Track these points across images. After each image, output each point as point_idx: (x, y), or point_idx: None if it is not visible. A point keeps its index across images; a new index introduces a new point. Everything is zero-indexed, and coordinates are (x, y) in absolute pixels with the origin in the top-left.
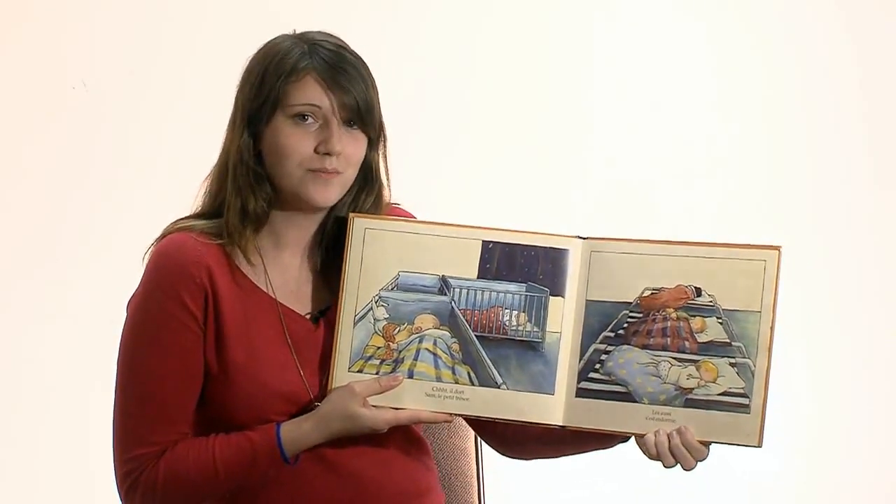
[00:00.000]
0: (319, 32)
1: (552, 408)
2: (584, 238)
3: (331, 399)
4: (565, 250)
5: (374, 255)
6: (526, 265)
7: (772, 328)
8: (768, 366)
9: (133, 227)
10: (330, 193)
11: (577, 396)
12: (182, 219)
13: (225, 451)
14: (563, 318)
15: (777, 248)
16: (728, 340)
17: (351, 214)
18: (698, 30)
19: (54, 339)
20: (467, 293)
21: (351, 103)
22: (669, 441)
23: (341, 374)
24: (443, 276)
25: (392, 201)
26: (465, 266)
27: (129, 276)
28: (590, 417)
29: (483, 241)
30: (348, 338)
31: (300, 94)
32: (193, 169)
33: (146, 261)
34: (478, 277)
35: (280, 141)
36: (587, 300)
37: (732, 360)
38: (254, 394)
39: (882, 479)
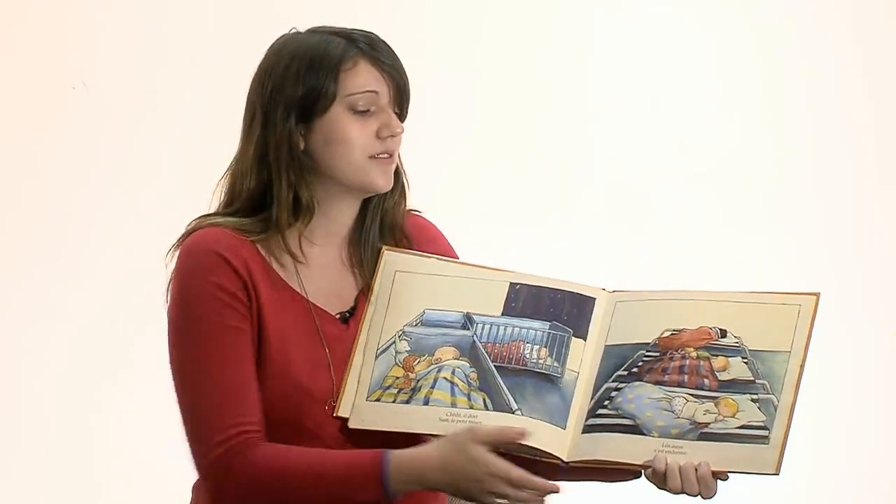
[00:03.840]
0: (323, 26)
1: (561, 441)
2: (611, 291)
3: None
4: (592, 298)
5: (401, 296)
6: (551, 306)
7: (801, 366)
8: (794, 402)
9: (133, 227)
10: (390, 178)
11: (583, 433)
12: (208, 215)
13: (331, 456)
14: (583, 360)
15: (815, 294)
16: (752, 378)
17: (384, 249)
18: (701, 29)
19: (51, 342)
20: (490, 328)
21: (401, 84)
22: (681, 475)
23: (361, 403)
24: (467, 312)
25: (411, 208)
26: (490, 305)
27: (129, 276)
28: (593, 449)
29: (511, 283)
30: (369, 369)
31: (357, 82)
32: (194, 168)
33: (173, 258)
34: (502, 314)
35: (341, 131)
36: (606, 345)
37: (755, 397)
38: (287, 393)
39: (882, 481)
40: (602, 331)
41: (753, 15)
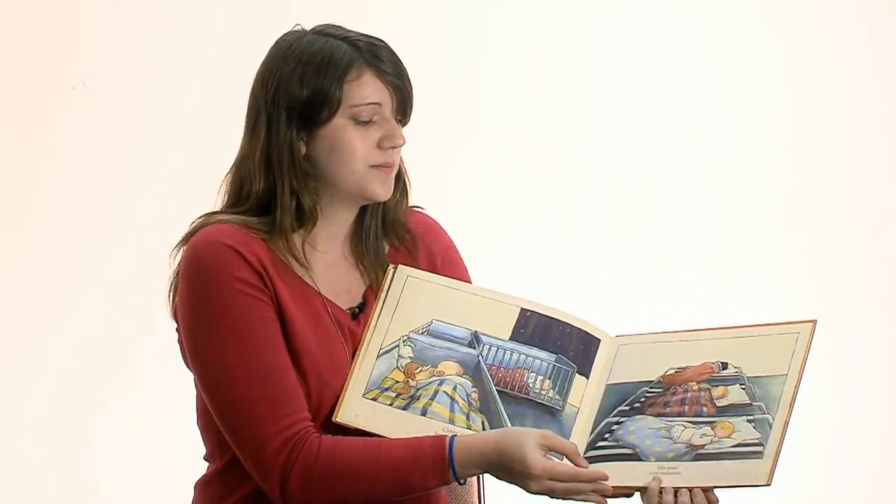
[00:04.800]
0: (329, 25)
1: None
2: (616, 336)
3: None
4: (598, 339)
5: (410, 300)
6: (559, 339)
7: (796, 386)
8: (788, 418)
9: (134, 227)
10: (390, 187)
11: None
12: (213, 213)
13: (391, 441)
14: (584, 397)
15: (812, 321)
16: (749, 402)
17: (390, 267)
18: (703, 29)
19: (52, 343)
20: (496, 351)
21: (405, 94)
22: (676, 499)
23: (356, 398)
24: (475, 331)
25: (415, 205)
26: (499, 327)
27: (130, 276)
28: None
29: (522, 308)
30: (368, 367)
31: (361, 94)
32: (195, 168)
33: (179, 255)
34: (510, 339)
35: (344, 141)
36: (607, 384)
37: (751, 417)
38: (308, 384)
39: (883, 482)
40: (604, 371)
41: (756, 14)
